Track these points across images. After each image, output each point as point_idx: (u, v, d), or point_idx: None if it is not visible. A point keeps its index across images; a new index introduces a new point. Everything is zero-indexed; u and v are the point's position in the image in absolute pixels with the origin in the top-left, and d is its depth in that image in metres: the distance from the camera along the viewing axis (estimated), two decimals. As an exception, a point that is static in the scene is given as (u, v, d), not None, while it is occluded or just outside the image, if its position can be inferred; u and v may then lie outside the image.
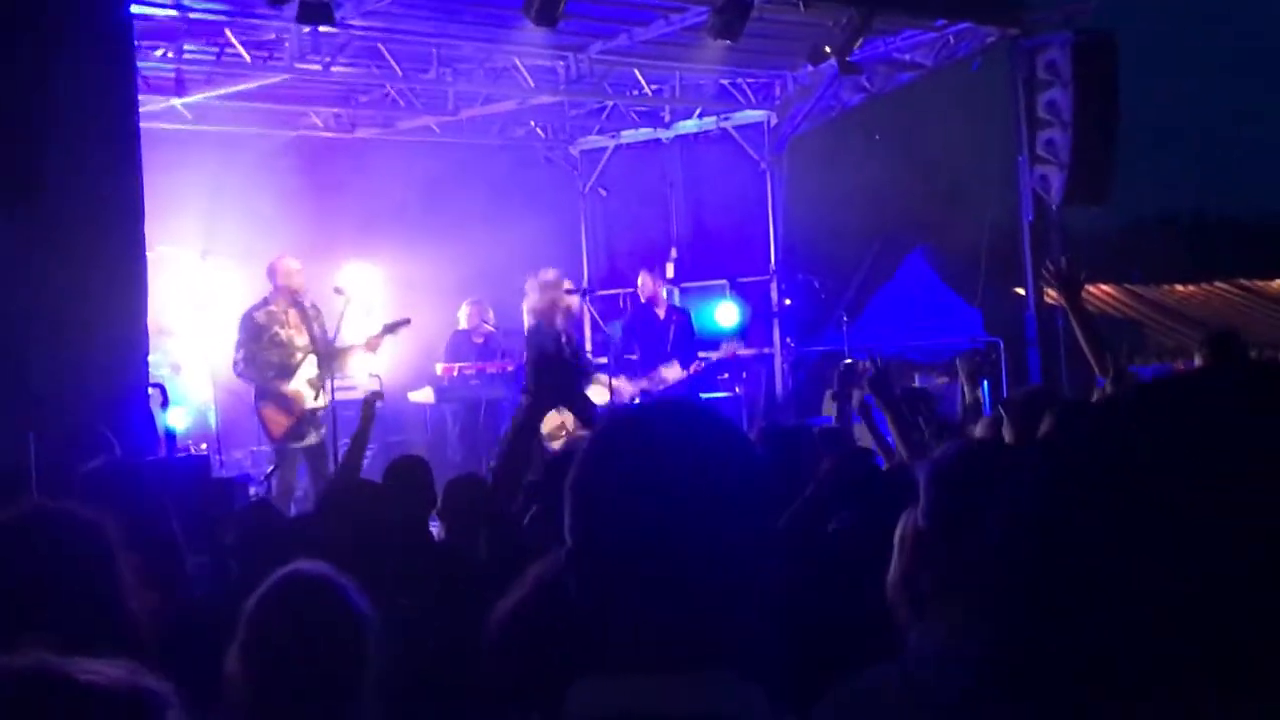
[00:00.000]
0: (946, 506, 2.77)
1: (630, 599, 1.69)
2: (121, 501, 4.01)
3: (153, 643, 2.69)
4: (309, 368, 11.34)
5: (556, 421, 12.15)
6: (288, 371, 11.24)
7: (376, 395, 7.74)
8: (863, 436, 7.47)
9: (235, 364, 11.32)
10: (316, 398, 11.31)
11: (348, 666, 2.92)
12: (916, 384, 13.82)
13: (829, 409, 15.58)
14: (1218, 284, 21.49)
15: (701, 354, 13.84)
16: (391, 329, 11.60)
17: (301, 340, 11.36)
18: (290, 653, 2.95)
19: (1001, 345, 14.42)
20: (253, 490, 10.43)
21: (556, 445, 12.09)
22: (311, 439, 11.27)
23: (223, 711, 2.99)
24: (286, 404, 11.23)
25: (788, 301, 16.20)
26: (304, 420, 11.24)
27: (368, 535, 4.62)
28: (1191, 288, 21.33)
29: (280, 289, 11.43)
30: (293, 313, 11.42)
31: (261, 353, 11.20)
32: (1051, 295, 14.17)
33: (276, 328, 11.29)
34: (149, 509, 4.22)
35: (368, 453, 13.47)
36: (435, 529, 6.64)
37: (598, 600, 1.72)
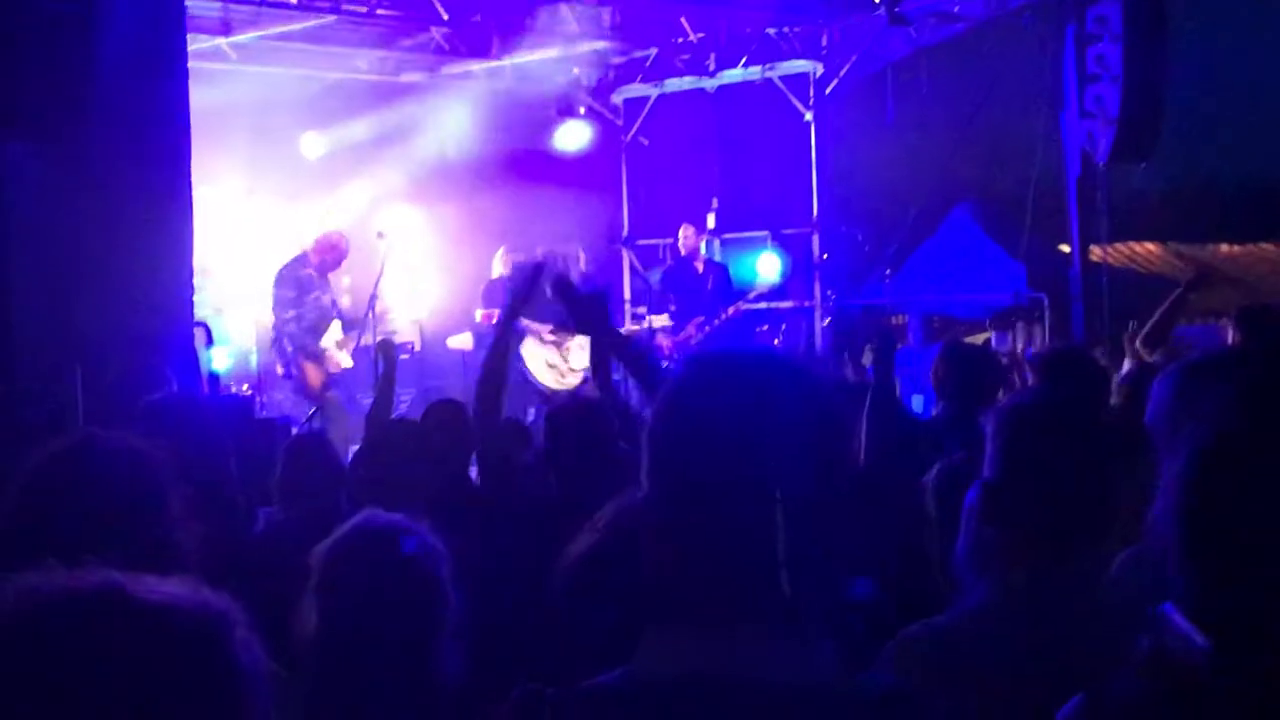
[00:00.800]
0: (1013, 460, 2.73)
1: (707, 550, 1.66)
2: (185, 433, 4.01)
3: (200, 576, 2.68)
4: (336, 330, 11.67)
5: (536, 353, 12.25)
6: (319, 333, 11.56)
7: (389, 342, 7.68)
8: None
9: (285, 322, 11.54)
10: (348, 359, 11.75)
11: (425, 617, 2.91)
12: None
13: (867, 362, 15.55)
14: (1263, 245, 21.25)
15: (733, 307, 13.76)
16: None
17: (327, 300, 11.71)
18: (368, 604, 2.94)
19: (1046, 301, 14.31)
20: (295, 432, 10.45)
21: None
22: (333, 395, 11.64)
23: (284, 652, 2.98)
24: (321, 361, 11.55)
25: (824, 256, 16.10)
26: (331, 381, 11.65)
27: (413, 475, 4.62)
28: (1236, 248, 21.11)
29: (330, 263, 11.74)
30: (323, 280, 11.73)
31: (306, 314, 11.49)
32: (1097, 252, 14.07)
33: (318, 292, 11.63)
34: (212, 443, 4.22)
35: (405, 398, 13.62)
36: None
37: (673, 550, 1.69)
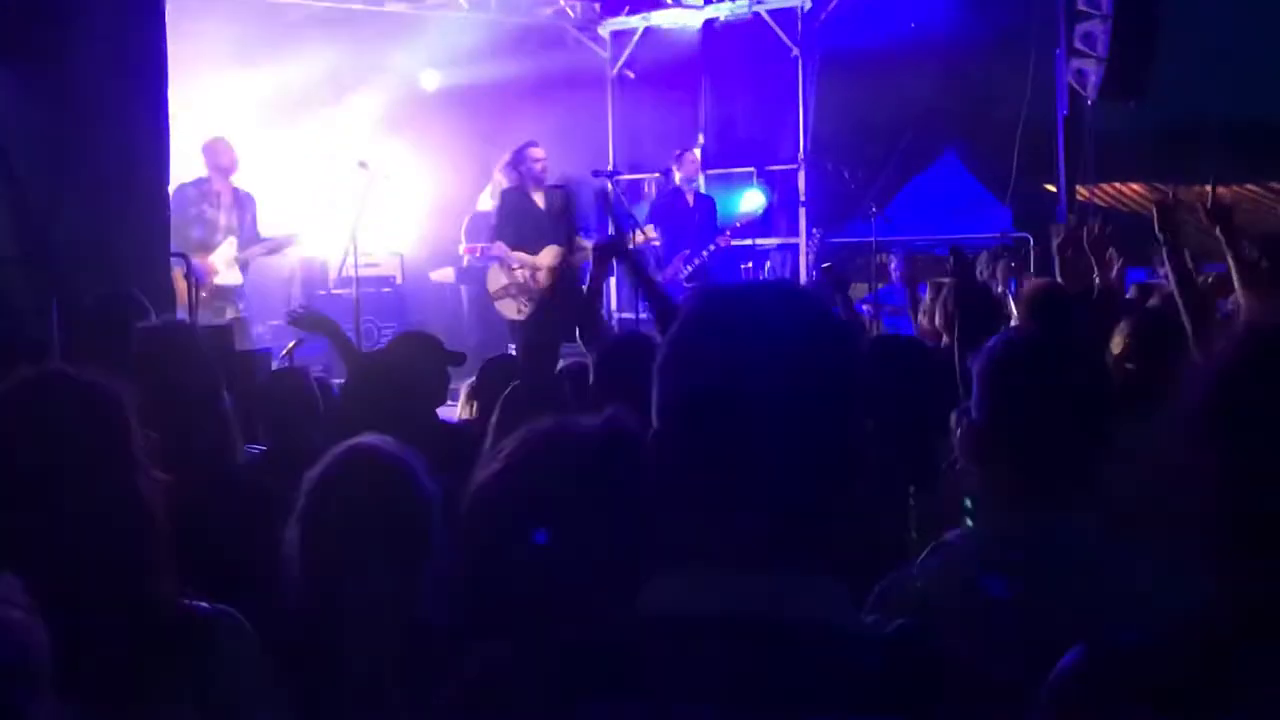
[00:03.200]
0: (1002, 401, 2.69)
1: (717, 488, 1.62)
2: (177, 362, 3.96)
3: (166, 520, 2.62)
4: (228, 248, 11.56)
5: (500, 281, 12.18)
6: (208, 248, 11.43)
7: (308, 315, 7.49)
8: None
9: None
10: (235, 275, 11.61)
11: (414, 543, 2.87)
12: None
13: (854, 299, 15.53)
14: (1249, 186, 21.25)
15: (722, 238, 13.68)
16: (274, 249, 11.88)
17: (225, 221, 11.60)
18: (357, 525, 2.90)
19: (1031, 241, 14.27)
20: (274, 364, 10.39)
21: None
22: (229, 313, 11.51)
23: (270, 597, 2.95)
24: (196, 273, 11.18)
25: (804, 201, 16.05)
26: (215, 295, 11.44)
27: (395, 411, 4.57)
28: (1222, 189, 21.08)
29: (214, 169, 11.64)
30: (225, 194, 11.66)
31: (185, 226, 11.15)
32: (1083, 192, 14.03)
33: (205, 205, 11.54)
34: (204, 372, 4.17)
35: (388, 331, 13.57)
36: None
37: (681, 489, 1.65)
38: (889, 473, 3.96)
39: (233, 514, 3.66)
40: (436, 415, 5.62)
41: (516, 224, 12.14)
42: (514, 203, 12.28)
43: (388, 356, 6.02)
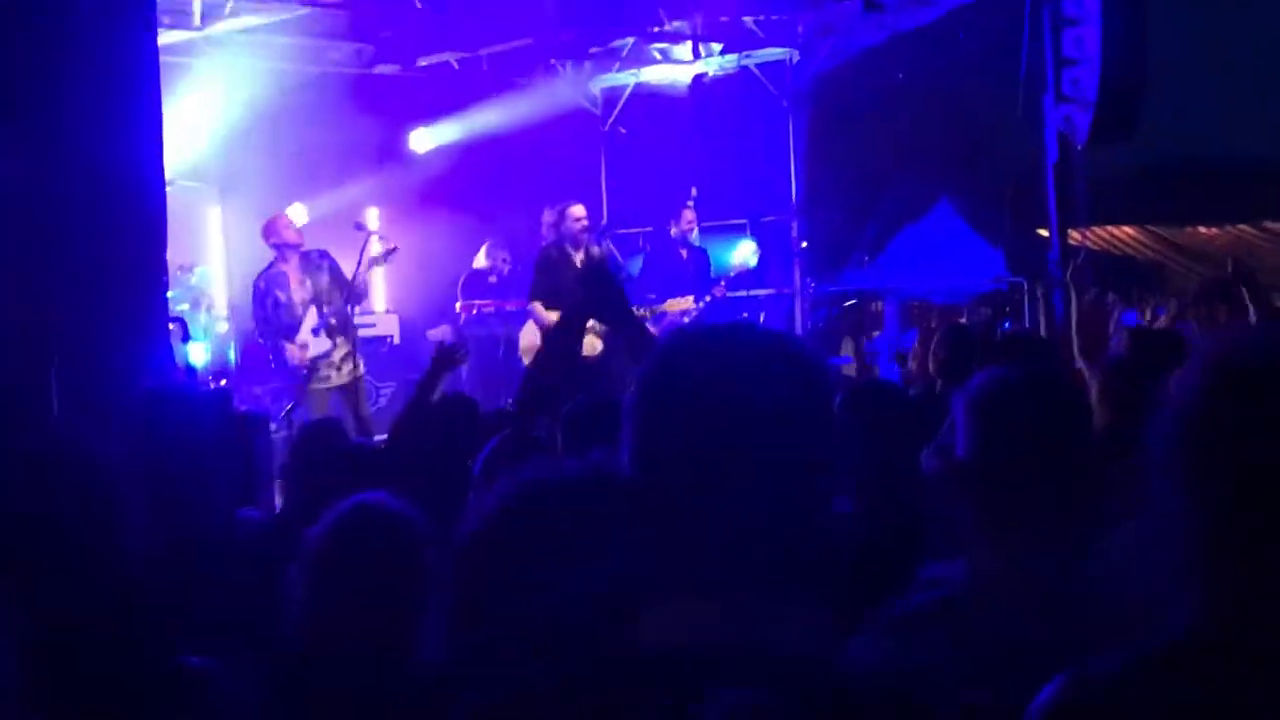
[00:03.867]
0: (987, 437, 2.72)
1: (698, 522, 1.65)
2: (165, 428, 3.98)
3: (154, 585, 2.65)
4: (311, 318, 11.55)
5: (532, 341, 12.14)
6: (294, 329, 11.48)
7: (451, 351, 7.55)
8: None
9: (258, 335, 11.77)
10: (324, 343, 11.58)
11: (413, 592, 2.90)
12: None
13: (846, 349, 15.60)
14: (1241, 226, 21.33)
15: (718, 289, 13.71)
16: (384, 257, 11.88)
17: (301, 295, 11.56)
18: (357, 578, 2.94)
19: (1025, 286, 14.32)
20: (273, 427, 10.42)
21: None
22: (335, 379, 11.53)
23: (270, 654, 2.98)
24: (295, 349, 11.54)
25: (804, 244, 16.12)
26: (316, 366, 11.49)
27: (437, 466, 4.59)
28: (1214, 230, 21.18)
29: (279, 248, 11.62)
30: (294, 269, 11.60)
31: (269, 318, 11.50)
32: (1075, 236, 14.09)
33: (277, 291, 11.53)
34: (193, 440, 4.18)
35: (385, 391, 13.63)
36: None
37: (662, 529, 1.68)
38: (872, 508, 4.00)
39: (229, 572, 3.69)
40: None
41: (552, 284, 11.98)
42: (551, 262, 12.15)
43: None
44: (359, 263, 11.51)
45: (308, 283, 11.59)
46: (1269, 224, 21.27)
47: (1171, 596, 1.92)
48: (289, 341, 11.44)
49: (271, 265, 11.60)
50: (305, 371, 11.44)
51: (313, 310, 11.55)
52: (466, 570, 2.00)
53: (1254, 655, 1.60)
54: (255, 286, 11.59)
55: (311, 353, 11.48)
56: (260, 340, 11.72)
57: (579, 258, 12.06)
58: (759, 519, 1.64)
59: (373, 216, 13.93)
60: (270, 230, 11.65)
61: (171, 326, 9.04)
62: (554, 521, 1.93)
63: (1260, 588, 1.64)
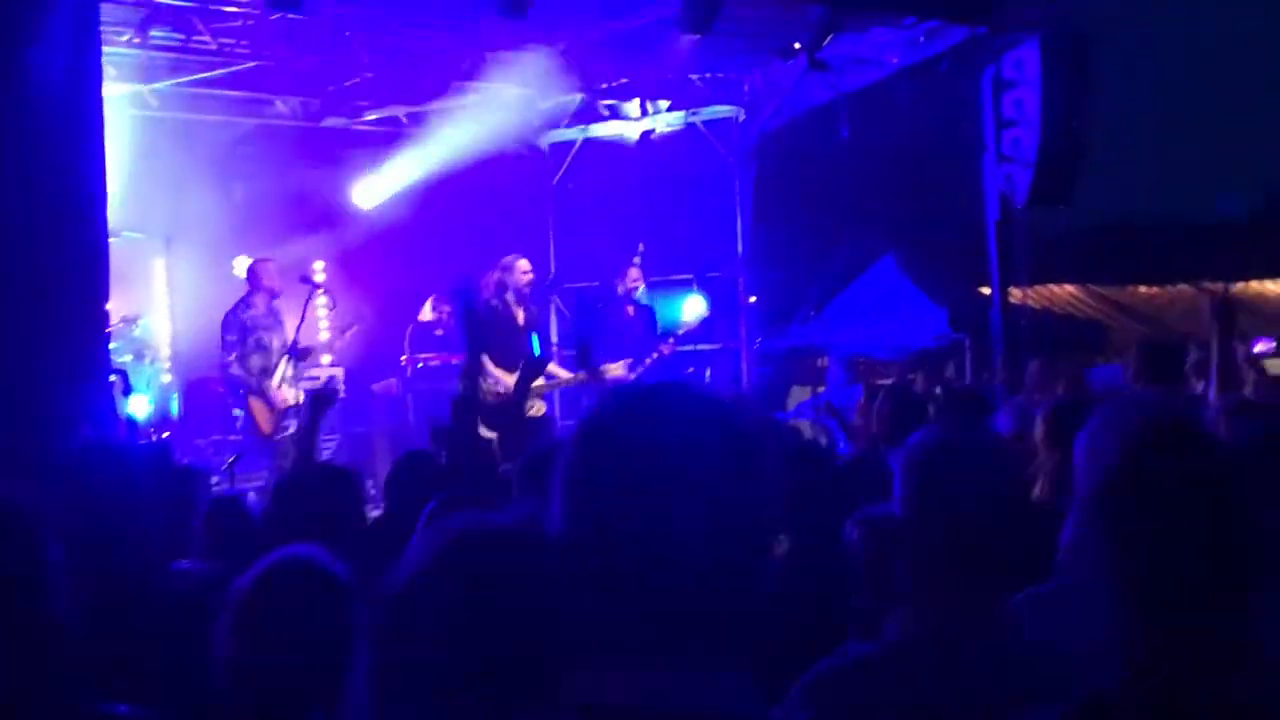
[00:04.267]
0: (922, 497, 2.75)
1: (625, 588, 1.66)
2: (98, 484, 3.97)
3: (80, 639, 2.65)
4: (285, 367, 11.73)
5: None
6: (270, 372, 11.63)
7: (326, 394, 7.67)
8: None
9: (228, 365, 11.67)
10: (292, 393, 11.79)
11: (338, 645, 2.90)
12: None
13: (793, 404, 15.65)
14: (1180, 285, 21.59)
15: (665, 346, 13.71)
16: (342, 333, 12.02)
17: (277, 342, 11.75)
18: (281, 631, 2.93)
19: (967, 343, 14.43)
20: (214, 479, 10.36)
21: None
22: (291, 430, 11.61)
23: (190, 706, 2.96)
24: (271, 401, 11.63)
25: (753, 299, 16.19)
26: (285, 415, 11.68)
27: (324, 522, 4.58)
28: (1154, 289, 21.44)
29: (263, 290, 11.79)
30: (272, 315, 11.83)
31: (249, 355, 11.57)
32: (1016, 294, 14.22)
33: (261, 331, 11.68)
34: (124, 495, 4.17)
35: (330, 443, 13.56)
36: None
37: (591, 589, 1.68)
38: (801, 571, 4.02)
39: (160, 624, 3.67)
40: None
41: (495, 338, 11.99)
42: (493, 315, 12.16)
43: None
44: (302, 317, 11.50)
45: (279, 333, 11.79)
46: (1208, 283, 21.53)
47: (1095, 655, 1.96)
48: (266, 383, 11.57)
49: (249, 306, 11.70)
50: (284, 421, 11.52)
51: (285, 360, 11.70)
52: (391, 623, 2.00)
53: (1175, 712, 1.63)
54: (238, 321, 11.65)
55: (290, 402, 11.65)
56: (234, 377, 11.66)
57: (520, 314, 12.08)
58: (687, 581, 1.64)
59: (319, 270, 13.93)
60: (260, 273, 11.81)
61: (113, 378, 9.01)
62: (481, 575, 1.93)
63: (1178, 647, 1.67)
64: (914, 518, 2.74)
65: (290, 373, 11.70)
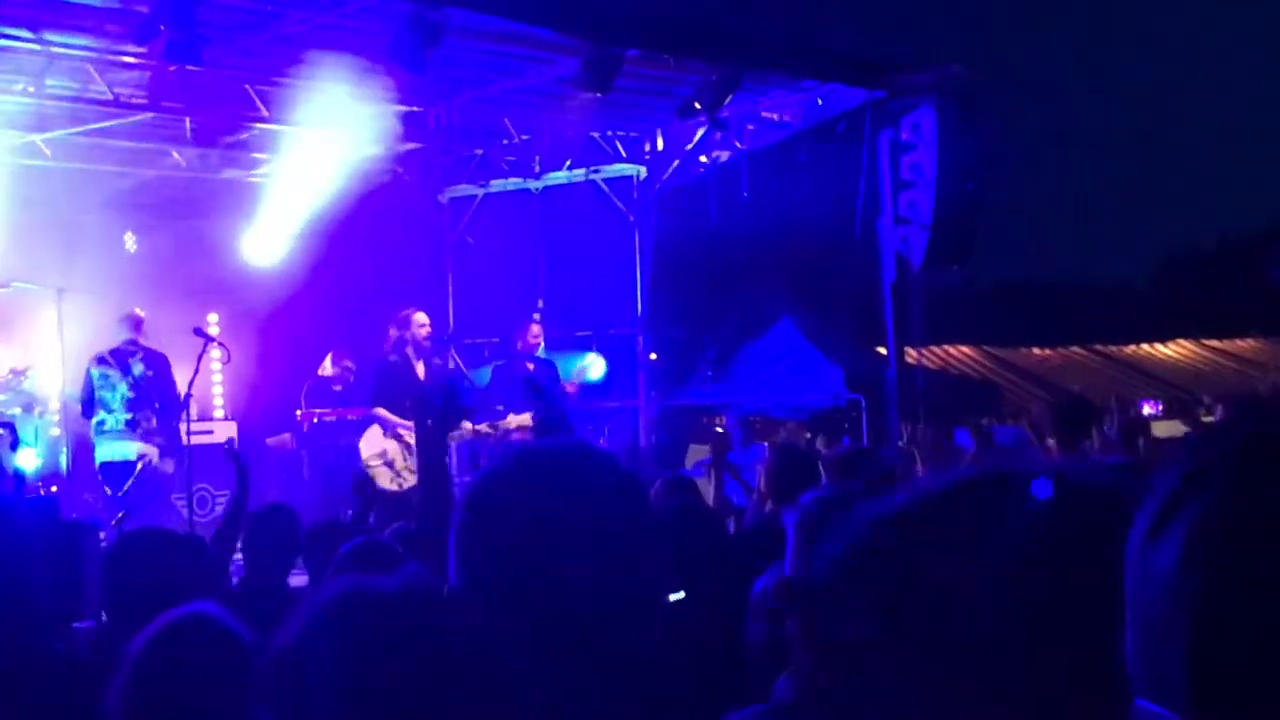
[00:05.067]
0: (812, 554, 2.76)
1: (519, 640, 1.66)
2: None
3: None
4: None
5: (377, 447, 12.00)
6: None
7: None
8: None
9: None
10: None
11: (235, 705, 2.86)
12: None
13: (691, 462, 15.69)
14: (1073, 348, 21.98)
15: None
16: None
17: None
18: (177, 691, 2.88)
19: (863, 403, 14.57)
20: (102, 535, 10.19)
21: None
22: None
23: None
24: None
25: (653, 356, 16.25)
26: None
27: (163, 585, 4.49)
28: (1047, 351, 21.80)
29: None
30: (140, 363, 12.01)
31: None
32: (912, 354, 14.41)
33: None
34: (13, 552, 4.08)
35: (221, 498, 13.41)
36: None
37: (483, 641, 1.69)
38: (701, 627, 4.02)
39: (51, 685, 3.60)
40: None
41: (395, 392, 11.94)
42: (393, 369, 12.07)
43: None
44: (196, 370, 11.37)
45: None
46: (1099, 346, 21.95)
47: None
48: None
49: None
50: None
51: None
52: (283, 681, 1.98)
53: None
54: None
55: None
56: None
57: (420, 367, 12.04)
58: (576, 637, 1.65)
59: (213, 323, 13.81)
60: (141, 324, 12.15)
61: (0, 431, 8.85)
62: (369, 632, 1.92)
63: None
64: (805, 575, 2.75)
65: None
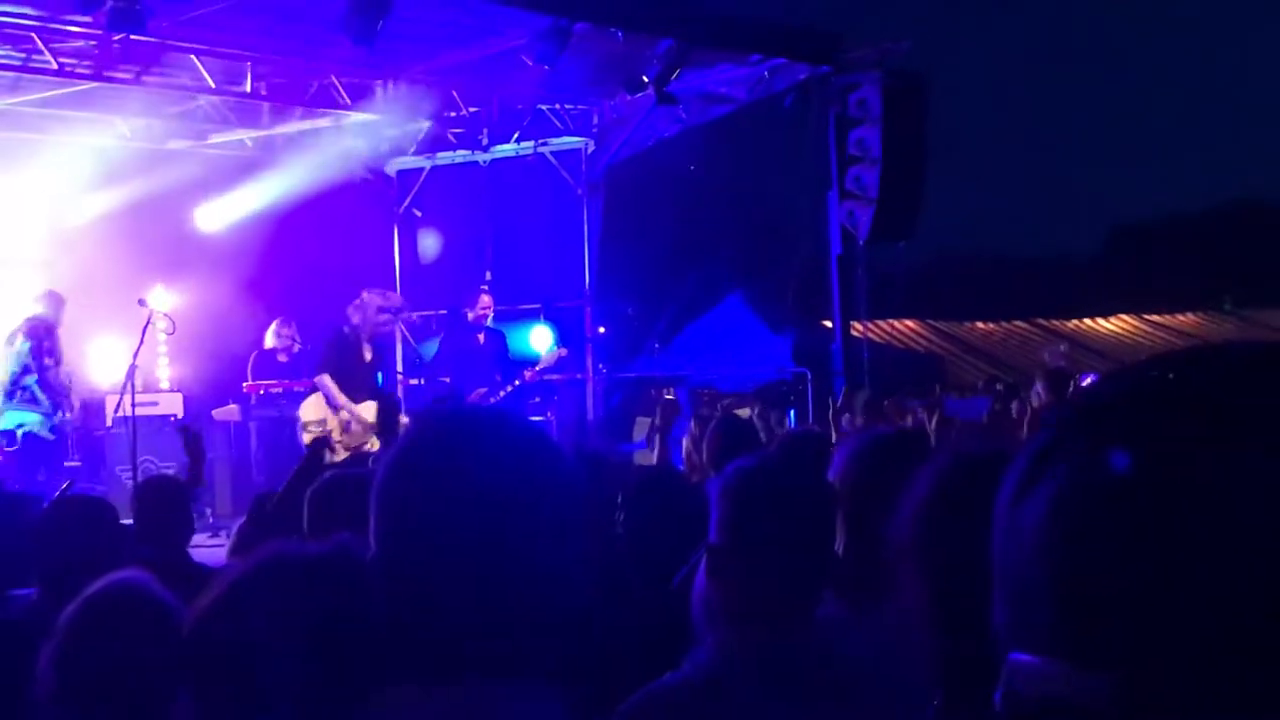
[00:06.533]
0: (736, 522, 2.82)
1: (437, 606, 1.69)
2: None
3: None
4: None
5: (318, 414, 11.96)
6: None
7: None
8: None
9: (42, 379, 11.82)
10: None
11: (164, 673, 2.89)
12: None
13: (639, 434, 15.76)
14: (1016, 322, 22.14)
15: (529, 372, 13.62)
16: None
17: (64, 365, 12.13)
18: (107, 658, 2.91)
19: (809, 376, 14.66)
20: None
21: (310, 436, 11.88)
22: None
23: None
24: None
25: (601, 329, 16.29)
26: None
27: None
28: (991, 325, 21.96)
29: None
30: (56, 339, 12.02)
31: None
32: (857, 328, 14.50)
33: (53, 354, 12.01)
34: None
35: (169, 468, 13.35)
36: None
37: (402, 607, 1.71)
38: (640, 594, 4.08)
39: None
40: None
41: (344, 367, 11.92)
42: (345, 345, 12.05)
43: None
44: (141, 340, 11.33)
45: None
46: (1042, 320, 22.13)
47: (911, 676, 2.04)
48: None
49: (42, 322, 11.76)
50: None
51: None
52: (204, 641, 2.02)
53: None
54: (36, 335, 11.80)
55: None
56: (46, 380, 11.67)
57: (368, 350, 12.03)
58: (498, 604, 1.68)
59: (158, 293, 13.75)
60: (57, 301, 11.79)
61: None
62: (291, 596, 1.96)
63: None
64: (726, 542, 2.81)
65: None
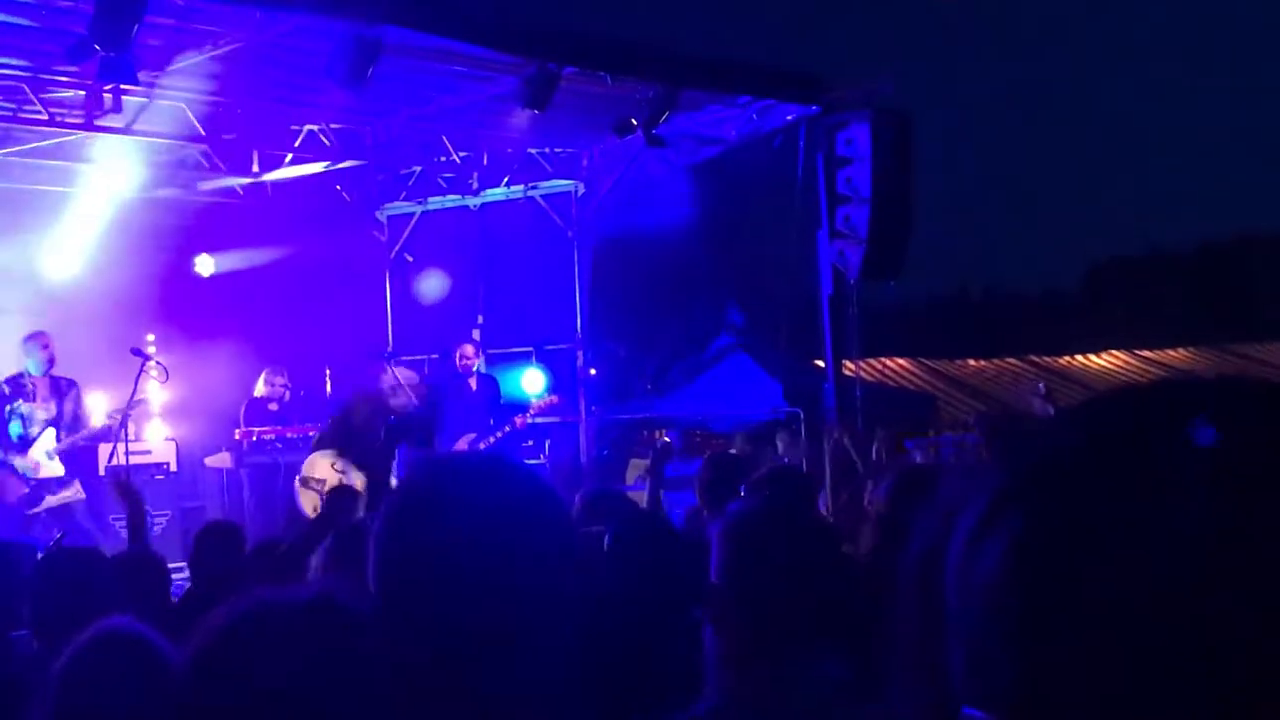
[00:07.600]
0: (737, 564, 2.81)
1: (437, 656, 1.68)
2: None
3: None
4: (47, 440, 11.52)
5: (322, 473, 11.95)
6: (26, 443, 11.44)
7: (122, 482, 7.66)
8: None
9: None
10: (57, 467, 11.56)
11: (155, 714, 2.88)
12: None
13: (632, 477, 15.73)
14: (1008, 359, 22.16)
15: (520, 417, 13.59)
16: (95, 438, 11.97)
17: (43, 414, 11.56)
18: (102, 709, 2.90)
19: (802, 415, 14.65)
20: (40, 555, 10.11)
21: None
22: (50, 501, 11.48)
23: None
24: (19, 474, 11.42)
25: (592, 371, 16.27)
26: (41, 487, 11.46)
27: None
28: (983, 362, 21.98)
29: (38, 360, 11.64)
30: (41, 386, 11.62)
31: (3, 424, 11.45)
32: (850, 367, 14.50)
33: (20, 400, 11.51)
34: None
35: (161, 519, 13.31)
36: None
37: (405, 652, 1.70)
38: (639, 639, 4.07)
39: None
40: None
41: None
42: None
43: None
44: (134, 389, 11.31)
45: (51, 405, 11.58)
46: (1034, 357, 22.14)
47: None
48: (17, 456, 11.36)
49: (19, 376, 11.54)
50: (28, 491, 11.36)
51: (50, 432, 11.49)
52: (186, 692, 2.00)
53: None
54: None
55: (44, 474, 11.43)
56: None
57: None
58: (500, 649, 1.68)
59: (151, 341, 13.72)
60: (43, 340, 11.63)
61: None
62: (275, 645, 1.94)
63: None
64: (728, 585, 2.80)
65: (53, 445, 11.50)
